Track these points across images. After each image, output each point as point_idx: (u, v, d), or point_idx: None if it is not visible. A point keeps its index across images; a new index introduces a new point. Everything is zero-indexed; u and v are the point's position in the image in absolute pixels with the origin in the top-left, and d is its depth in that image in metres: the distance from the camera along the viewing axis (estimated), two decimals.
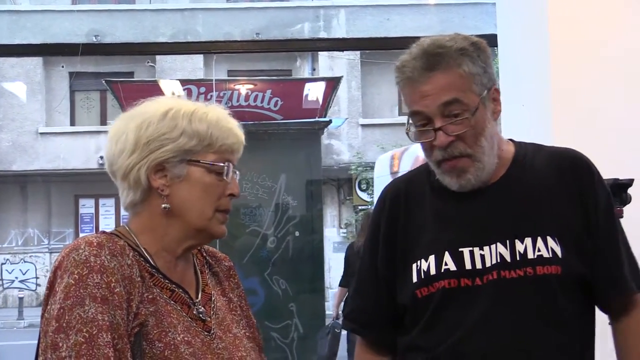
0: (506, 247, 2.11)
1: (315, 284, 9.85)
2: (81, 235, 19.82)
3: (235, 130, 1.94)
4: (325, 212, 20.15)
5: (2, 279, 24.23)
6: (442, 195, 2.22)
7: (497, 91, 2.21)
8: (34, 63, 23.95)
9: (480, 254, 2.12)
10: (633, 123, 3.98)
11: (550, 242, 2.10)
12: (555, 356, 2.09)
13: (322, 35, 22.85)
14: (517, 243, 2.11)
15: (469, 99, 2.09)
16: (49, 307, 1.71)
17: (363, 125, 24.34)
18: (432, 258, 2.16)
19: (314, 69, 23.74)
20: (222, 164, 1.88)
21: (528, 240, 2.11)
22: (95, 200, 24.74)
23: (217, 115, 1.91)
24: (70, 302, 1.67)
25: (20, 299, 21.75)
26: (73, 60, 21.83)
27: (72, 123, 25.30)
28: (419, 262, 2.18)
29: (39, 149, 24.39)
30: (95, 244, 1.75)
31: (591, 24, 4.12)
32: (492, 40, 4.97)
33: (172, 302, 1.84)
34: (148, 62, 23.28)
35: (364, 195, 23.46)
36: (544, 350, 2.08)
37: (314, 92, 11.00)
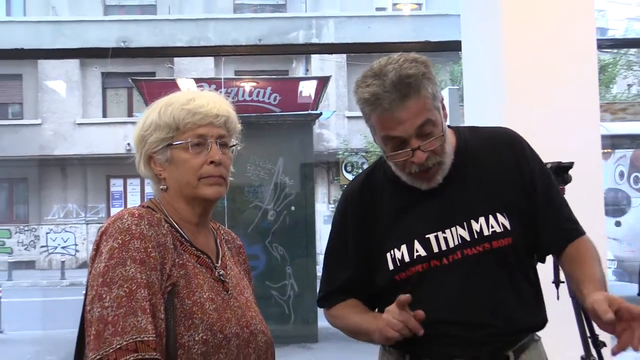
0: (464, 229, 2.08)
1: (308, 250, 9.86)
2: (112, 209, 19.92)
3: (200, 108, 1.86)
4: (316, 190, 20.21)
5: (47, 246, 24.22)
6: (402, 190, 2.14)
7: (442, 97, 2.10)
8: (72, 65, 23.93)
9: (444, 237, 2.09)
10: (572, 116, 4.00)
11: (500, 217, 2.09)
12: (515, 313, 2.09)
13: (314, 41, 22.82)
14: (473, 223, 2.08)
15: (435, 116, 2.01)
16: (95, 265, 1.71)
17: (349, 117, 24.26)
18: (404, 247, 2.11)
19: (307, 70, 23.68)
20: (189, 142, 1.84)
21: (482, 220, 2.08)
22: (124, 180, 24.70)
23: (184, 99, 1.88)
24: (114, 262, 1.68)
25: (62, 262, 21.81)
26: (104, 62, 21.88)
27: (104, 115, 25.24)
28: (392, 251, 2.13)
29: (76, 137, 24.41)
30: (136, 215, 1.77)
31: (538, 33, 4.13)
32: (457, 45, 4.97)
33: (198, 265, 1.84)
34: (167, 63, 23.20)
35: (349, 176, 23.46)
36: (505, 311, 2.08)
37: (307, 89, 10.95)
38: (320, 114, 11.44)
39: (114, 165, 24.18)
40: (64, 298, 13.87)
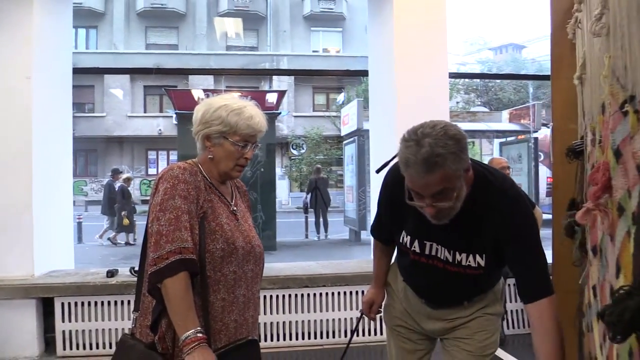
0: (450, 254, 1.80)
1: (270, 195, 9.84)
2: (149, 169, 19.13)
3: (255, 125, 1.78)
4: (275, 159, 20.14)
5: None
6: None
7: (469, 167, 1.65)
8: (125, 78, 23.43)
9: (436, 248, 1.82)
10: (430, 117, 4.00)
11: (478, 258, 1.77)
12: (471, 294, 1.92)
13: (275, 68, 22.69)
14: (457, 254, 1.79)
15: (452, 184, 1.58)
16: (155, 198, 1.66)
17: (295, 116, 24.26)
18: (408, 237, 1.88)
19: (270, 86, 23.45)
20: (239, 144, 1.77)
21: (464, 255, 1.78)
22: (157, 152, 24.30)
23: (248, 114, 1.78)
24: (167, 196, 1.63)
25: None
26: (146, 78, 21.48)
27: (145, 111, 24.64)
28: (404, 232, 1.89)
29: (127, 124, 23.84)
30: (182, 167, 1.70)
31: (416, 68, 4.12)
32: (365, 73, 4.93)
33: (219, 202, 1.77)
34: (185, 80, 22.71)
35: (294, 152, 23.54)
36: (462, 296, 1.92)
37: (271, 98, 10.80)
38: (279, 113, 11.34)
39: (150, 143, 23.90)
40: None
